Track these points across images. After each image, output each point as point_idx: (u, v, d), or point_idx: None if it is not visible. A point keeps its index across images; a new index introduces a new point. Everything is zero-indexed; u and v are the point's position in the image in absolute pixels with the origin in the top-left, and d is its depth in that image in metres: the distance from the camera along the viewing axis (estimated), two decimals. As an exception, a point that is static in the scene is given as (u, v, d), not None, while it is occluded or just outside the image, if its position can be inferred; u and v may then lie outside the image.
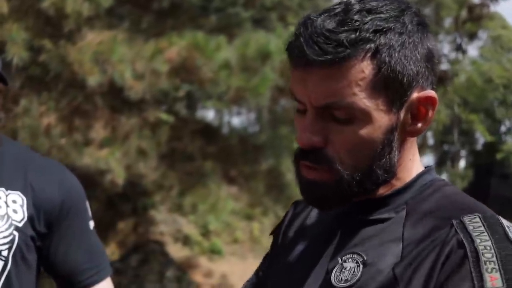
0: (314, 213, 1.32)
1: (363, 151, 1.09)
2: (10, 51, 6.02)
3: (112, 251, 8.72)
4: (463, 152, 32.06)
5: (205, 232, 9.87)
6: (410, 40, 1.07)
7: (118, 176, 6.62)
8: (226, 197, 7.02)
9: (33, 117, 6.87)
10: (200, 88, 7.38)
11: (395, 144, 1.11)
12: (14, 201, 1.75)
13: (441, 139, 29.10)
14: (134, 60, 6.68)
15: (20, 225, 1.74)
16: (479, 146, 32.44)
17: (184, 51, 6.53)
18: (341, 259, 1.12)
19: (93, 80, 6.33)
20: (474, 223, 1.05)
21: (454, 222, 1.05)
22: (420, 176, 1.16)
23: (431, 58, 1.11)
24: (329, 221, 1.22)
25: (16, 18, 6.62)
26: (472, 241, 1.01)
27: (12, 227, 1.72)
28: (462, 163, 30.61)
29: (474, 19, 22.14)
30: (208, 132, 8.39)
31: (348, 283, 1.08)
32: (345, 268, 1.10)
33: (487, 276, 0.97)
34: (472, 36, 25.65)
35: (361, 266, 1.09)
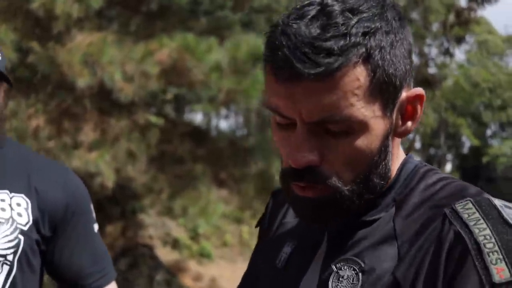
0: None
1: (360, 162, 1.03)
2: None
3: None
4: (449, 156, 32.27)
5: (195, 236, 9.83)
6: (397, 38, 1.01)
7: (108, 179, 6.56)
8: (217, 200, 6.98)
9: (20, 119, 6.81)
10: (191, 90, 7.35)
11: (389, 149, 1.07)
12: (18, 204, 1.71)
13: (428, 142, 29.26)
14: (124, 62, 6.63)
15: (25, 228, 1.70)
16: (465, 149, 32.67)
17: (175, 53, 6.49)
18: (335, 267, 1.06)
19: (83, 82, 6.28)
20: (468, 210, 1.00)
21: (447, 211, 1.01)
22: (402, 168, 1.11)
23: (411, 52, 1.05)
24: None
25: (4, 19, 6.56)
26: (470, 232, 0.97)
27: (17, 231, 1.68)
28: (448, 167, 30.78)
29: (462, 23, 22.24)
30: (198, 134, 8.34)
31: None
32: (342, 277, 1.05)
33: (493, 269, 0.93)
34: (459, 40, 25.79)
35: (359, 274, 1.03)
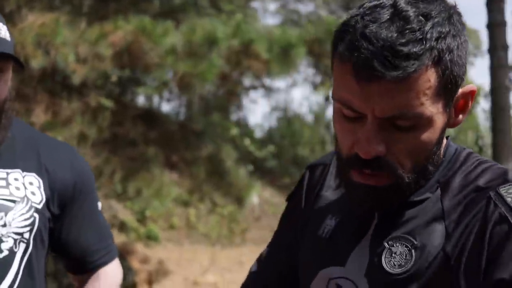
0: (331, 181, 1.35)
1: (421, 153, 1.13)
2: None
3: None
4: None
5: (142, 219, 9.81)
6: (461, 40, 1.11)
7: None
8: (169, 183, 7.01)
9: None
10: (146, 73, 7.32)
11: (443, 139, 1.18)
12: (31, 183, 1.74)
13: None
14: (77, 43, 6.56)
15: (39, 207, 1.73)
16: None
17: (130, 35, 6.45)
18: (387, 244, 1.15)
19: (36, 63, 6.19)
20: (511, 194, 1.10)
21: (491, 194, 1.11)
22: (445, 152, 1.21)
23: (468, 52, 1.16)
24: None
25: (-47, -2, 6.39)
26: None
27: (33, 209, 1.72)
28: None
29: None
30: (149, 117, 8.33)
31: (403, 269, 1.12)
32: (395, 253, 1.14)
33: None
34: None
35: (412, 250, 1.12)
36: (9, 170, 1.72)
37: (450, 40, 1.08)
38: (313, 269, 1.27)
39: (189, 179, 7.96)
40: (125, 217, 9.65)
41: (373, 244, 1.18)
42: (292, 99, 28.43)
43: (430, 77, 1.07)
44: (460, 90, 1.15)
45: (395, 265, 1.14)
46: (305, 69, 15.22)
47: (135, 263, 9.33)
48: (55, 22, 6.52)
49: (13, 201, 1.68)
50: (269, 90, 16.25)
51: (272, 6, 17.44)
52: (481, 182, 1.15)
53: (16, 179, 1.72)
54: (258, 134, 15.16)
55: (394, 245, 1.15)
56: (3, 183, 1.70)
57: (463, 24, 1.13)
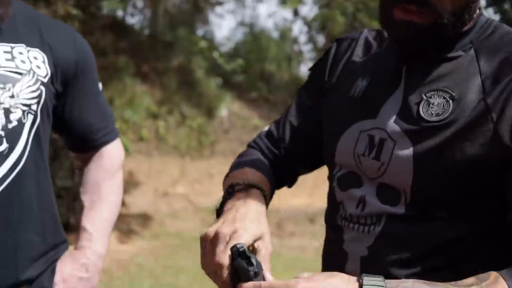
0: (359, 51, 1.41)
1: None
2: None
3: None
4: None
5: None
6: None
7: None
8: (141, 93, 7.01)
9: None
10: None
11: None
12: (35, 58, 1.75)
13: None
14: None
15: (45, 80, 1.75)
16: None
17: None
18: (425, 95, 1.22)
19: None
20: None
21: None
22: (477, 18, 1.28)
23: None
24: (391, 60, 1.32)
25: None
26: None
27: (39, 82, 1.73)
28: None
29: None
30: (117, 28, 8.22)
31: (440, 117, 1.19)
32: (433, 104, 1.20)
33: None
34: None
35: (450, 101, 1.19)
36: (13, 44, 1.73)
37: None
38: (342, 126, 1.34)
39: (160, 89, 7.95)
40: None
41: (408, 96, 1.25)
42: (258, 14, 28.14)
43: None
44: None
45: (432, 114, 1.20)
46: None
47: (105, 175, 9.37)
48: None
49: (20, 73, 1.70)
50: (235, 5, 16.06)
51: None
52: None
53: (20, 53, 1.73)
54: (225, 48, 15.07)
55: (432, 97, 1.21)
56: (8, 56, 1.70)
57: None
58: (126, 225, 7.77)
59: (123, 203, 7.79)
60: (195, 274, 6.85)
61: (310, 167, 1.57)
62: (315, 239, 8.38)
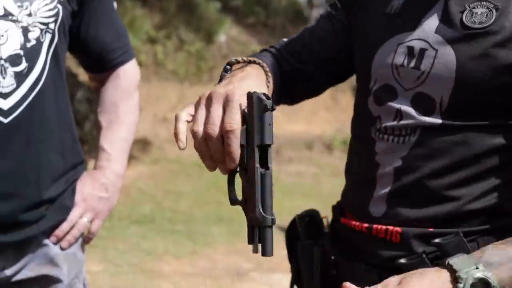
0: None
1: None
2: None
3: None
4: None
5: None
6: None
7: None
8: (142, 16, 6.91)
9: None
10: None
11: None
12: None
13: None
14: None
15: None
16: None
17: None
18: (469, 6, 1.22)
19: None
20: None
21: None
22: None
23: None
24: None
25: None
26: None
27: (56, 0, 1.71)
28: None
29: None
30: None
31: (483, 25, 1.20)
32: (476, 13, 1.21)
33: None
34: None
35: (493, 11, 1.20)
36: None
37: None
38: (379, 40, 1.33)
39: (159, 13, 7.84)
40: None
41: (450, 6, 1.24)
42: None
43: None
44: None
45: (475, 22, 1.21)
46: None
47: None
48: None
49: None
50: None
51: None
52: None
53: None
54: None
55: (476, 7, 1.22)
56: None
57: None
58: (126, 150, 7.80)
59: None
60: (194, 199, 6.94)
61: (328, 81, 1.53)
62: (312, 165, 8.46)
